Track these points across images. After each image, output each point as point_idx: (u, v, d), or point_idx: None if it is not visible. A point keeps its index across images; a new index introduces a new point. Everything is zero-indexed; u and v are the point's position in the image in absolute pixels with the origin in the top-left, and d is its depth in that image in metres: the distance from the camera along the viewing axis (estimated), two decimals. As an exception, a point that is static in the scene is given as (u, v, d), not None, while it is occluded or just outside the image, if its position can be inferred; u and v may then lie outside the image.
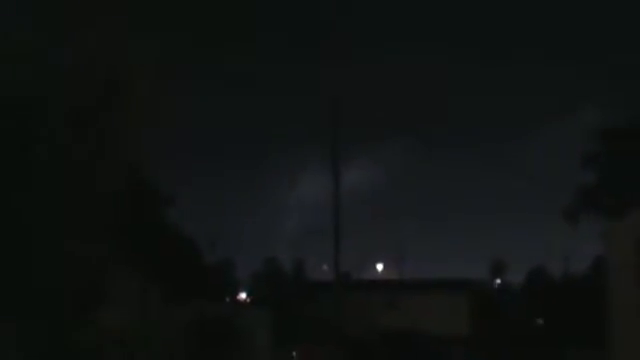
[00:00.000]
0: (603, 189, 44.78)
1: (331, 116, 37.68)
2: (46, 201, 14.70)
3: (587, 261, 58.81)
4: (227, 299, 64.53)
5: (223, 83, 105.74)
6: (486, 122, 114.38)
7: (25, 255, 14.87)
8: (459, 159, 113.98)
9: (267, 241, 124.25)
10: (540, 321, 67.17)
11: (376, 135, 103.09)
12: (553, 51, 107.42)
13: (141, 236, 30.30)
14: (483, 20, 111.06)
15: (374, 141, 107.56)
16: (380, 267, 71.93)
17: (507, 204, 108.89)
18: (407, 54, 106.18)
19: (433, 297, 55.55)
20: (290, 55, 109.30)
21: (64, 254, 15.41)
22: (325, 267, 62.58)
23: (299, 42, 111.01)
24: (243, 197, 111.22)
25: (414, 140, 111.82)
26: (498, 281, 78.00)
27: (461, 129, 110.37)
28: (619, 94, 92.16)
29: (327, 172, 38.54)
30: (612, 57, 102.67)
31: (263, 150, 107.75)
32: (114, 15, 15.11)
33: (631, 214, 26.22)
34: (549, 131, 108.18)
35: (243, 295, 72.20)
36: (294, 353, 47.66)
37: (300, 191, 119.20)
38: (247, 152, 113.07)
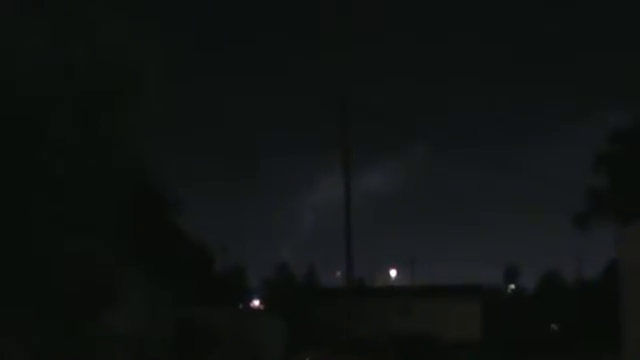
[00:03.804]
0: (615, 192, 44.49)
1: (339, 117, 37.40)
2: (52, 200, 14.70)
3: (601, 265, 58.58)
4: (240, 305, 64.53)
5: (231, 86, 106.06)
6: (500, 125, 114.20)
7: (33, 255, 14.88)
8: (473, 164, 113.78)
9: (279, 247, 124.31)
10: (554, 326, 66.89)
11: (390, 142, 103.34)
12: (577, 50, 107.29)
13: (150, 240, 30.30)
14: (497, 19, 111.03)
15: (388, 148, 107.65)
16: (393, 273, 71.89)
17: (521, 209, 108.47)
18: (416, 61, 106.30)
19: (446, 302, 55.39)
20: (300, 57, 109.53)
21: (72, 254, 15.42)
22: (338, 273, 62.62)
23: (308, 45, 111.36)
24: (255, 203, 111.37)
25: (428, 146, 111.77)
26: (512, 286, 77.76)
27: (475, 133, 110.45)
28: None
29: (340, 178, 38.47)
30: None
31: (277, 155, 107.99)
32: (119, 15, 15.12)
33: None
34: (566, 134, 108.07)
35: (256, 302, 72.20)
36: (307, 359, 47.54)
37: (313, 197, 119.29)
38: (260, 157, 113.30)
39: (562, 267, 71.60)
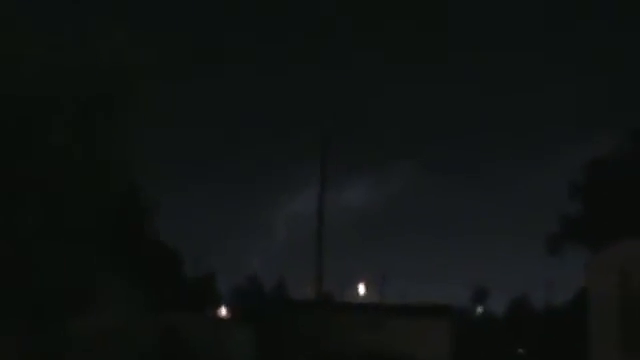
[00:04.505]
0: (588, 220, 44.86)
1: (321, 149, 37.98)
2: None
3: (572, 292, 58.90)
4: (207, 313, 64.15)
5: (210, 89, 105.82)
6: (477, 149, 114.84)
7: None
8: (448, 186, 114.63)
9: (250, 256, 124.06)
10: (521, 351, 67.14)
11: (369, 160, 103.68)
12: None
13: (126, 243, 30.09)
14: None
15: (366, 164, 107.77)
16: (362, 289, 71.80)
17: (493, 232, 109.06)
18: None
19: (415, 321, 55.42)
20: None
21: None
22: (308, 287, 62.49)
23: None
24: (228, 211, 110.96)
25: (409, 165, 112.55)
26: (480, 309, 78.03)
27: (453, 158, 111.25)
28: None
29: (315, 192, 38.67)
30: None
31: (252, 165, 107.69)
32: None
33: (614, 246, 26.13)
34: (546, 161, 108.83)
35: (223, 310, 71.79)
36: None
37: (289, 208, 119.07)
38: (235, 166, 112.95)
39: (532, 292, 72.05)
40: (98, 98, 14.77)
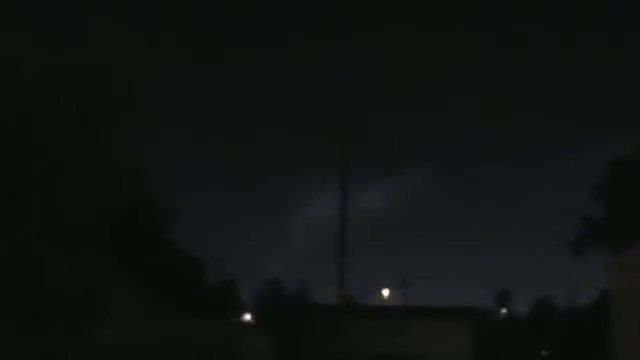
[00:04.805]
0: (610, 221, 44.44)
1: (341, 147, 37.83)
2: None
3: (594, 293, 58.38)
4: (232, 319, 64.15)
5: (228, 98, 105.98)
6: (500, 151, 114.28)
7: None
8: (470, 188, 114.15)
9: (272, 262, 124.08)
10: (545, 352, 66.70)
11: (393, 161, 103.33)
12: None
13: (142, 251, 30.06)
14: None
15: (389, 167, 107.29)
16: (386, 292, 71.65)
17: (517, 235, 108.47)
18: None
19: (437, 324, 55.08)
20: (290, 68, 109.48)
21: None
22: (329, 291, 62.27)
23: (300, 55, 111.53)
24: (250, 217, 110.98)
25: (429, 169, 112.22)
26: (504, 310, 77.67)
27: (474, 159, 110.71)
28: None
29: (337, 195, 38.62)
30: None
31: (274, 170, 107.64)
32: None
33: (635, 247, 25.83)
34: (567, 162, 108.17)
35: (247, 316, 71.74)
36: None
37: (310, 212, 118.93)
38: (257, 171, 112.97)
39: (556, 293, 71.71)
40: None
